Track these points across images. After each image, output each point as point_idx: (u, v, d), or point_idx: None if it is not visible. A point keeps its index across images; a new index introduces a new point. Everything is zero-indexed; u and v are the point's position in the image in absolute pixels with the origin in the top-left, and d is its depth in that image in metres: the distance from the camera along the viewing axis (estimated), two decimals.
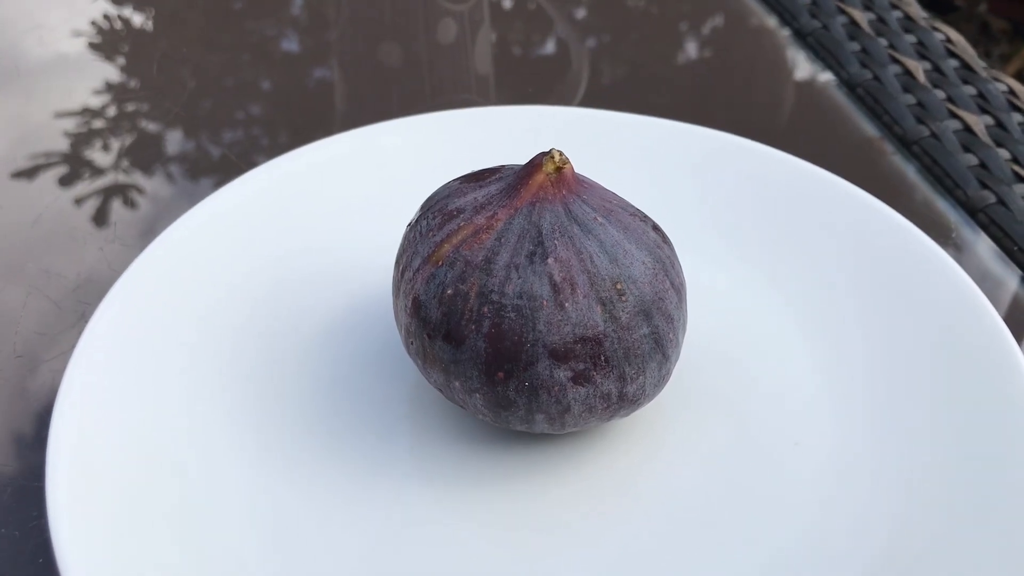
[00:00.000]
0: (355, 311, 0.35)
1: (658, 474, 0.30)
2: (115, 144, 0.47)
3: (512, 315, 0.28)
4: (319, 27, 0.56)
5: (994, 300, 0.39)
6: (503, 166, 0.31)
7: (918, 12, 0.56)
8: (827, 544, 0.29)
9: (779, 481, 0.30)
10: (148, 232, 0.41)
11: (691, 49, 0.55)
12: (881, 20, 0.55)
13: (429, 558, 0.29)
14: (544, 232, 0.28)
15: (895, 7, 0.56)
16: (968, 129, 0.47)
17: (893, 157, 0.46)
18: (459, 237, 0.29)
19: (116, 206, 0.43)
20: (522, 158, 0.40)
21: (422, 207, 0.31)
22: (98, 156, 0.46)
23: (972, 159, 0.45)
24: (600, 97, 0.50)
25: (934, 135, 0.46)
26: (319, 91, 0.51)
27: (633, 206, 0.31)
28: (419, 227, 0.30)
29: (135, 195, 0.44)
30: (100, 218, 0.42)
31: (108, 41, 0.54)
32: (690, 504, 0.30)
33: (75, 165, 0.45)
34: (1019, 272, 0.41)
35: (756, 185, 0.39)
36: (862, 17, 0.54)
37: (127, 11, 0.57)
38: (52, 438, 0.29)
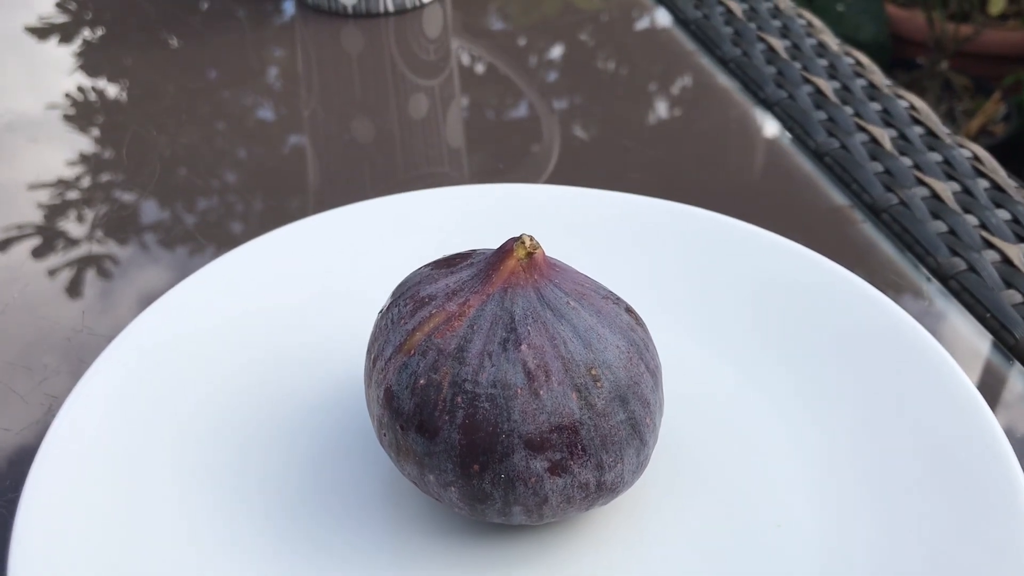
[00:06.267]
0: (326, 401, 0.35)
1: (639, 563, 0.30)
2: (89, 215, 0.46)
3: (486, 405, 0.27)
4: (292, 99, 0.56)
5: (967, 368, 0.39)
6: (474, 251, 0.31)
7: (882, 80, 0.57)
8: None
9: (762, 565, 0.30)
10: (117, 320, 0.41)
11: (657, 119, 0.56)
12: (846, 89, 0.56)
13: None
14: (517, 318, 0.28)
15: (859, 75, 0.57)
16: (936, 196, 0.47)
17: (863, 225, 0.46)
18: (431, 325, 0.29)
19: (88, 280, 0.42)
20: (493, 238, 0.40)
21: (393, 294, 0.31)
22: (72, 227, 0.45)
23: (941, 226, 0.46)
24: (569, 167, 0.50)
25: (903, 203, 0.47)
26: (293, 161, 0.51)
27: (605, 288, 0.31)
28: (390, 315, 0.30)
29: (109, 266, 0.43)
30: (72, 292, 0.42)
31: (82, 113, 0.54)
32: None
33: (48, 237, 0.45)
34: (991, 338, 0.41)
35: (729, 260, 0.39)
36: (827, 86, 0.55)
37: (101, 83, 0.57)
38: (15, 540, 0.28)
